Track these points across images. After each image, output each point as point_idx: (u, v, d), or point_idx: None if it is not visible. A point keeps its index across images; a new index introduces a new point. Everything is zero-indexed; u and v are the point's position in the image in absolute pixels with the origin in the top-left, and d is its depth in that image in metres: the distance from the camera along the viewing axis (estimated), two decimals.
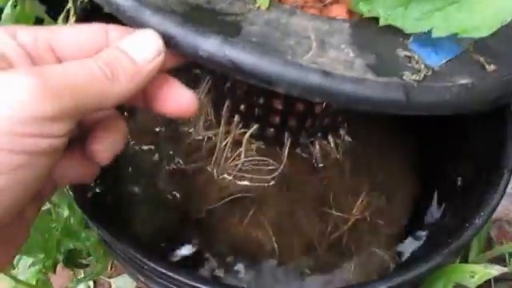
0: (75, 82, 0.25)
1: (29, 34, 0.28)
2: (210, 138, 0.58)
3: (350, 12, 0.35)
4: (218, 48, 0.28)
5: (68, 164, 0.30)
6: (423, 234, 0.61)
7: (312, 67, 0.28)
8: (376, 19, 0.31)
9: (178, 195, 0.62)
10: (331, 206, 0.61)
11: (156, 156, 0.66)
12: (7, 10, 0.46)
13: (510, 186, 0.49)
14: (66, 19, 0.50)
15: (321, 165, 0.58)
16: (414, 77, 0.29)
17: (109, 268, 0.76)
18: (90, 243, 0.55)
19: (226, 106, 0.54)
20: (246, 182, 0.56)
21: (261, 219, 0.60)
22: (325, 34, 0.31)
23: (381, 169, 0.65)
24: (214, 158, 0.56)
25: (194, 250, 0.61)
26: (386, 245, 0.62)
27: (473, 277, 0.47)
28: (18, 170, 0.23)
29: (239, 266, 0.62)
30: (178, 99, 0.30)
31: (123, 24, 0.30)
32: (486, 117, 0.54)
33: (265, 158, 0.55)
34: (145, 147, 0.67)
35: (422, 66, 0.30)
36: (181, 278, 0.43)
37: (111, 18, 0.31)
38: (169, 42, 0.28)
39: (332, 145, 0.55)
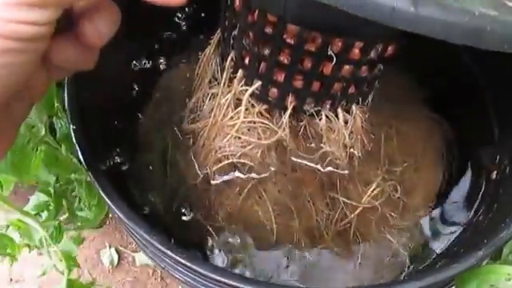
0: None
1: None
2: (214, 96, 0.54)
3: None
4: None
5: (63, 49, 0.32)
6: (449, 230, 0.59)
7: None
8: None
9: (180, 161, 0.59)
10: (338, 191, 0.56)
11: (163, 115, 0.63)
12: None
13: None
14: None
15: (326, 143, 0.52)
16: None
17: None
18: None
19: (229, 58, 0.51)
20: (242, 144, 0.51)
21: (260, 193, 0.56)
22: None
23: (400, 157, 0.59)
24: (212, 116, 0.53)
25: (190, 217, 0.58)
26: (398, 238, 0.58)
27: (509, 279, 0.44)
28: (4, 54, 0.26)
29: (235, 241, 0.58)
30: None
31: None
32: None
33: (265, 122, 0.50)
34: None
35: None
36: (194, 267, 0.42)
37: None
38: None
39: (341, 120, 0.50)
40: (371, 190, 0.57)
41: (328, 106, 0.51)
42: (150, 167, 0.63)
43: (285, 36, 0.46)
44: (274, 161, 0.54)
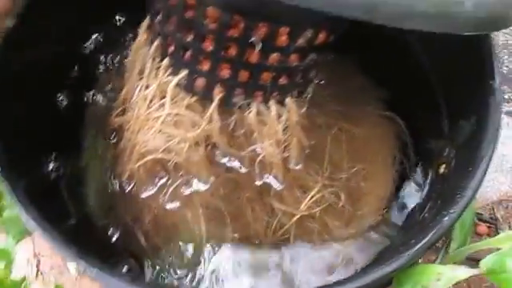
0: None
1: None
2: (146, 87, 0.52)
3: None
4: None
5: None
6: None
7: None
8: None
9: (108, 158, 0.57)
10: (271, 196, 0.53)
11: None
12: None
13: None
14: None
15: (257, 139, 0.50)
16: None
17: None
18: None
19: (155, 45, 0.49)
20: (167, 138, 0.49)
21: (189, 196, 0.53)
22: None
23: (348, 162, 0.57)
24: (136, 109, 0.50)
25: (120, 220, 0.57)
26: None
27: (439, 279, 0.43)
28: None
29: (162, 247, 0.55)
30: None
31: None
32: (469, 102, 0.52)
33: (191, 115, 0.48)
34: None
35: None
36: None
37: None
38: None
39: (273, 113, 0.48)
40: (309, 196, 0.54)
41: (259, 99, 0.49)
42: (83, 170, 0.61)
43: (206, 21, 0.44)
44: (203, 160, 0.51)
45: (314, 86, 0.54)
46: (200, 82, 0.48)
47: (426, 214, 0.54)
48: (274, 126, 0.49)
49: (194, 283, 0.56)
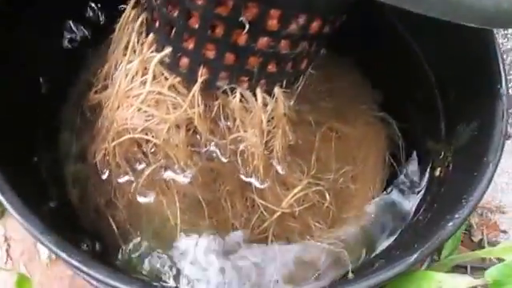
0: None
1: None
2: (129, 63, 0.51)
3: None
4: None
5: None
6: (389, 232, 0.58)
7: None
8: None
9: (84, 136, 0.56)
10: (253, 190, 0.52)
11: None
12: None
13: (496, 173, 0.46)
14: None
15: (240, 127, 0.49)
16: None
17: None
18: None
19: (140, 20, 0.48)
20: (146, 118, 0.48)
21: (167, 182, 0.52)
22: None
23: (336, 162, 0.56)
24: (117, 86, 0.49)
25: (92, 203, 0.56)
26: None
27: (440, 287, 0.44)
28: None
29: (133, 235, 0.54)
30: None
31: None
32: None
33: (173, 95, 0.47)
34: None
35: None
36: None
37: None
38: None
39: (259, 101, 0.47)
40: (292, 194, 0.53)
41: (245, 85, 0.48)
42: (62, 150, 0.60)
43: None
44: (183, 144, 0.50)
45: (306, 79, 0.52)
46: (184, 62, 0.47)
47: (420, 217, 0.55)
48: (259, 114, 0.48)
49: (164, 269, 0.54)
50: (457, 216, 0.43)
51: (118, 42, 0.53)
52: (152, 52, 0.48)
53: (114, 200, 0.55)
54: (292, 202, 0.54)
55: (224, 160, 0.53)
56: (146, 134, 0.50)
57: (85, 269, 0.39)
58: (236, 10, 0.42)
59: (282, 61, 0.47)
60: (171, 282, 0.54)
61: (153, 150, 0.52)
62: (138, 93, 0.49)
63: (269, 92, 0.49)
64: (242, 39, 0.44)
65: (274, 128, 0.50)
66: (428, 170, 0.59)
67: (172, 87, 0.49)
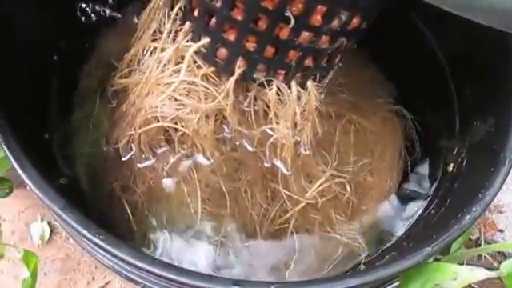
0: None
1: None
2: (156, 50, 0.52)
3: None
4: None
5: None
6: (401, 224, 0.59)
7: None
8: None
9: (104, 120, 0.56)
10: (279, 181, 0.53)
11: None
12: None
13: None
14: None
15: (273, 119, 0.50)
16: None
17: None
18: None
19: (177, 7, 0.48)
20: (177, 106, 0.48)
21: (190, 169, 0.52)
22: None
23: (355, 155, 0.58)
24: (148, 71, 0.50)
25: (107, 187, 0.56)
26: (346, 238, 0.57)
27: (455, 279, 0.44)
28: None
29: (150, 222, 0.54)
30: None
31: None
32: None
33: (206, 85, 0.48)
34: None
35: None
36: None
37: None
38: None
39: (294, 94, 0.48)
40: (316, 185, 0.55)
41: (281, 77, 0.49)
42: (77, 133, 0.60)
43: None
44: (210, 134, 0.51)
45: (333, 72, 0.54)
46: (222, 52, 0.48)
47: (432, 211, 0.56)
48: (293, 107, 0.49)
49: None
50: (474, 209, 0.45)
51: (147, 27, 0.53)
52: (187, 41, 0.48)
53: (133, 185, 0.56)
54: (315, 193, 0.55)
55: (251, 149, 0.54)
56: (176, 123, 0.51)
57: (111, 249, 0.39)
58: (282, 4, 0.43)
59: (319, 55, 0.48)
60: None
61: (180, 138, 0.52)
62: (170, 81, 0.50)
63: (302, 85, 0.50)
64: (285, 33, 0.46)
65: (304, 120, 0.51)
66: (441, 165, 0.61)
67: (204, 77, 0.50)
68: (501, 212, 0.80)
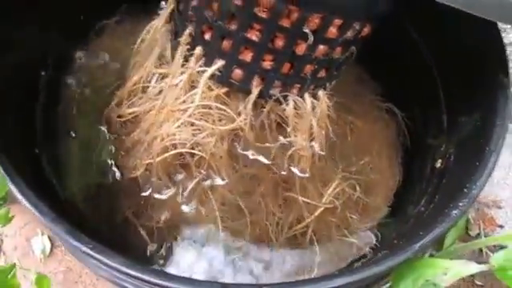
0: None
1: None
2: (163, 77, 0.52)
3: None
4: None
5: None
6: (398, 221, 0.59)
7: None
8: None
9: (112, 148, 0.56)
10: (297, 190, 0.55)
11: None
12: None
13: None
14: None
15: (291, 133, 0.52)
16: None
17: None
18: None
19: (187, 32, 0.49)
20: (194, 131, 0.49)
21: (206, 191, 0.53)
22: None
23: (359, 155, 0.60)
24: (161, 99, 0.50)
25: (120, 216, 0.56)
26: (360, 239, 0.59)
27: (446, 274, 0.45)
28: None
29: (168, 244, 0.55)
30: None
31: None
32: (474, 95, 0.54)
33: (222, 107, 0.49)
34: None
35: None
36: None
37: None
38: None
39: (309, 106, 0.50)
40: (332, 189, 0.57)
41: (295, 91, 0.51)
42: (71, 155, 0.59)
43: (256, 9, 0.45)
44: (225, 154, 0.52)
45: None
46: (237, 73, 0.49)
47: (422, 208, 0.57)
48: (310, 119, 0.51)
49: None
50: (461, 204, 0.46)
51: (147, 53, 0.53)
52: (200, 66, 0.49)
53: (150, 212, 0.56)
54: (331, 197, 0.57)
55: (267, 162, 0.55)
56: (192, 148, 0.51)
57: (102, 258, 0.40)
58: (300, 21, 0.45)
59: (332, 66, 0.50)
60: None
61: (196, 162, 0.53)
62: (186, 107, 0.50)
63: (314, 95, 0.52)
64: (302, 49, 0.47)
65: (318, 128, 0.53)
66: (430, 161, 0.62)
67: (217, 98, 0.51)
68: (499, 207, 0.81)
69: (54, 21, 0.60)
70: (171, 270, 0.56)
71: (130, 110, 0.54)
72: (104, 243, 0.53)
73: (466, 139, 0.56)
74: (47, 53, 0.61)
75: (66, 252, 0.80)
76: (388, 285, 0.49)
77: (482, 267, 0.45)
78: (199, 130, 0.51)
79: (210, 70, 0.49)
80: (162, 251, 0.57)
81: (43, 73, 0.61)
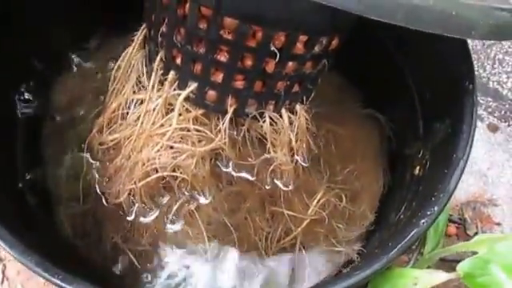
0: None
1: None
2: (140, 103, 0.53)
3: None
4: None
5: None
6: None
7: None
8: None
9: (96, 175, 0.57)
10: (281, 204, 0.56)
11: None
12: None
13: (486, 166, 0.46)
14: None
15: (271, 148, 0.53)
16: None
17: None
18: None
19: (159, 58, 0.50)
20: (174, 154, 0.50)
21: (192, 211, 0.55)
22: None
23: (343, 164, 0.61)
24: (139, 124, 0.51)
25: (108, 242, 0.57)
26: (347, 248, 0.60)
27: (416, 283, 0.46)
28: None
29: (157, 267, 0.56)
30: None
31: None
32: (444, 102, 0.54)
33: (200, 128, 0.50)
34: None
35: None
36: None
37: None
38: None
39: (286, 121, 0.51)
40: (317, 200, 0.58)
41: (271, 107, 0.52)
42: (56, 185, 0.61)
43: (222, 32, 0.46)
44: (208, 174, 0.54)
45: None
46: (211, 94, 0.50)
47: (402, 216, 0.57)
48: (288, 134, 0.52)
49: None
50: (428, 213, 0.46)
51: (124, 80, 0.55)
52: (174, 89, 0.51)
53: (136, 237, 0.57)
54: (317, 208, 0.58)
55: (251, 179, 0.57)
56: (174, 171, 0.53)
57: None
58: (265, 40, 0.46)
59: (305, 80, 0.51)
60: None
61: (179, 184, 0.54)
62: (164, 130, 0.51)
63: (291, 110, 0.53)
64: (271, 67, 0.48)
65: (298, 142, 0.54)
66: (409, 168, 0.62)
67: (194, 119, 0.52)
68: (496, 205, 0.82)
69: (31, 50, 0.62)
70: None
71: (111, 137, 0.55)
72: (97, 271, 0.56)
73: (439, 146, 0.56)
74: (25, 83, 0.63)
75: None
76: None
77: (451, 275, 0.45)
78: (179, 152, 0.52)
79: (184, 94, 0.50)
80: (149, 275, 0.58)
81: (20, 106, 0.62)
